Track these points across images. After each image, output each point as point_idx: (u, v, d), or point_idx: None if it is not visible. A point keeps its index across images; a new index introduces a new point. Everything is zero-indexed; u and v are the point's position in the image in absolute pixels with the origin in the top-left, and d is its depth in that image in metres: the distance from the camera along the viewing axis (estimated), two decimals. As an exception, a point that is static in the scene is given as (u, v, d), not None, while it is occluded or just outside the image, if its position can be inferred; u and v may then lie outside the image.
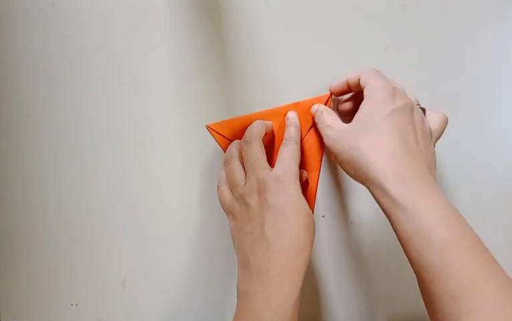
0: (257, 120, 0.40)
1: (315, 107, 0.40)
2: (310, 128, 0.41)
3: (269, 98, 0.41)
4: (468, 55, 0.42)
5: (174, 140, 0.42)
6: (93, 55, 0.41)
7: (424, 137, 0.34)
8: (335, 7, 0.41)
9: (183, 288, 0.44)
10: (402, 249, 0.32)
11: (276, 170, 0.35)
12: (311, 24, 0.41)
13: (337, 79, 0.39)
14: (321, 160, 0.42)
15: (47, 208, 0.43)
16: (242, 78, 0.41)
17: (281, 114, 0.41)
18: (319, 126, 0.38)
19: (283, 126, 0.41)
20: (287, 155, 0.36)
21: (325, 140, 0.37)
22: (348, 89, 0.39)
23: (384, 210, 0.32)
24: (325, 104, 0.41)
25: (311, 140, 0.41)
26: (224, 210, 0.38)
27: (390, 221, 0.32)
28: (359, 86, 0.37)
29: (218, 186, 0.39)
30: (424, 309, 0.45)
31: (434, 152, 0.35)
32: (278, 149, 0.40)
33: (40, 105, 0.42)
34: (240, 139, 0.39)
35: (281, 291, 0.32)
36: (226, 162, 0.38)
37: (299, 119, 0.40)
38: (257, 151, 0.36)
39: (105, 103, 0.42)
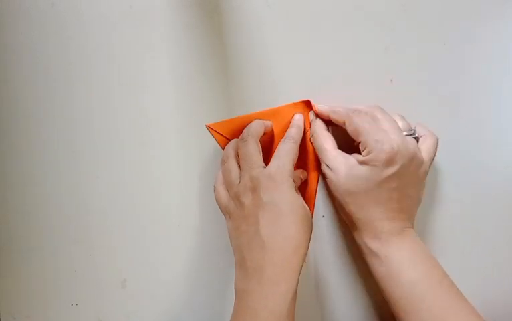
0: (256, 120, 0.40)
1: (312, 117, 0.41)
2: (310, 128, 0.41)
3: (269, 98, 0.41)
4: (468, 55, 0.42)
5: (174, 140, 0.42)
6: (93, 55, 0.41)
7: (412, 189, 0.36)
8: (335, 7, 0.41)
9: (183, 288, 0.44)
10: None
11: (270, 167, 0.35)
12: (311, 24, 0.41)
13: (322, 109, 0.40)
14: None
15: (47, 208, 0.43)
16: (242, 78, 0.41)
17: (281, 114, 0.41)
18: (318, 152, 0.39)
19: (283, 126, 0.41)
20: (283, 153, 0.36)
21: (326, 178, 0.38)
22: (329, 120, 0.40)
23: (361, 252, 0.38)
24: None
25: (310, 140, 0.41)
26: (221, 210, 0.38)
27: (366, 262, 0.38)
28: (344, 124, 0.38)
29: (214, 187, 0.39)
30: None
31: (420, 193, 0.38)
32: (275, 149, 0.40)
33: (40, 105, 0.42)
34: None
35: (277, 290, 0.32)
36: (223, 162, 0.38)
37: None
38: (252, 149, 0.36)
39: (105, 103, 0.42)
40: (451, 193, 0.43)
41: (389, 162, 0.34)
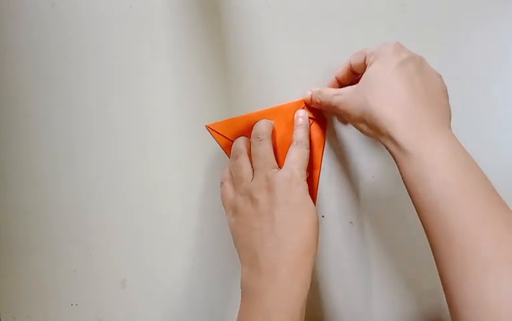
0: (263, 120, 0.40)
1: (308, 93, 0.40)
2: (310, 125, 0.41)
3: (269, 98, 0.41)
4: (468, 55, 0.42)
5: (174, 140, 0.42)
6: (93, 55, 0.41)
7: (434, 87, 0.34)
8: (335, 7, 0.41)
9: (183, 288, 0.44)
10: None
11: (285, 170, 0.35)
12: (311, 24, 0.41)
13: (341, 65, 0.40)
14: (321, 159, 0.42)
15: (47, 208, 0.43)
16: (242, 78, 0.41)
17: (282, 113, 0.41)
18: (325, 101, 0.38)
19: (284, 125, 0.41)
20: (296, 158, 0.37)
21: (336, 108, 0.36)
22: (352, 75, 0.39)
23: (393, 158, 0.32)
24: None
25: (311, 139, 0.41)
26: (225, 207, 0.38)
27: (398, 168, 0.32)
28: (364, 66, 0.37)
29: (221, 183, 0.39)
30: (423, 308, 0.45)
31: (449, 106, 0.34)
32: (277, 148, 0.40)
33: (40, 105, 0.42)
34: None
35: (291, 290, 0.31)
36: (235, 157, 0.38)
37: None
38: (268, 149, 0.37)
39: (105, 103, 0.42)
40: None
41: (397, 50, 0.34)
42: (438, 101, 0.33)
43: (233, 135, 0.41)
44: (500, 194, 0.43)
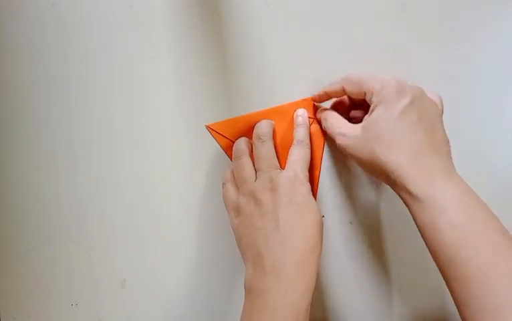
0: (264, 120, 0.40)
1: (318, 113, 0.40)
2: (310, 125, 0.41)
3: (269, 98, 0.41)
4: (468, 55, 0.42)
5: (174, 140, 0.42)
6: (93, 55, 0.41)
7: (435, 124, 0.34)
8: (335, 7, 0.41)
9: (183, 288, 0.44)
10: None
11: (288, 171, 0.35)
12: (311, 24, 0.41)
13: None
14: (321, 159, 0.42)
15: (47, 208, 0.43)
16: (242, 78, 0.41)
17: (282, 112, 0.41)
18: (330, 132, 0.38)
19: (284, 124, 0.41)
20: (298, 157, 0.37)
21: (341, 149, 0.36)
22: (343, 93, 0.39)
23: (406, 206, 0.33)
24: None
25: (311, 138, 0.41)
26: (227, 207, 0.38)
27: (411, 215, 0.33)
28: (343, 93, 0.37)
29: (223, 184, 0.39)
30: (423, 307, 0.45)
31: (445, 133, 0.35)
32: (278, 148, 0.40)
33: (40, 106, 0.42)
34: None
35: (297, 287, 0.31)
36: (237, 158, 0.38)
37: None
38: (270, 150, 0.37)
39: (105, 103, 0.42)
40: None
41: (400, 92, 0.33)
42: (440, 141, 0.34)
43: (233, 135, 0.41)
44: (500, 194, 0.43)
